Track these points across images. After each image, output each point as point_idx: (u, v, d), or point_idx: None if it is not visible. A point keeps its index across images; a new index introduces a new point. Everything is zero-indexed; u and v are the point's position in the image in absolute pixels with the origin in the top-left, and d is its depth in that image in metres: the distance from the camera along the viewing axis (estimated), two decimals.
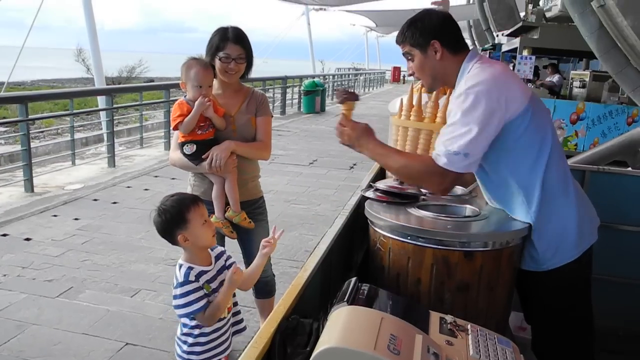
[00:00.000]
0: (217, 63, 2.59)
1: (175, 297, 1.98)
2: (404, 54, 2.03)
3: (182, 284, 1.95)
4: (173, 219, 1.94)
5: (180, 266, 2.00)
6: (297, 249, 4.92)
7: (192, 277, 1.96)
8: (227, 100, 2.70)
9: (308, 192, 6.97)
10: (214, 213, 2.69)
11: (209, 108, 2.55)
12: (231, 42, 2.57)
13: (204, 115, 2.57)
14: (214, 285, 2.03)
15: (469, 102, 1.75)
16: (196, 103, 2.52)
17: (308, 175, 7.90)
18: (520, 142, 1.81)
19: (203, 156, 2.58)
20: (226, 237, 2.83)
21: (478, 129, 1.72)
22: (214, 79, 2.68)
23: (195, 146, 2.59)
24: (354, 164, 8.72)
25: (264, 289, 3.05)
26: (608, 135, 9.14)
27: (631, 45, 5.70)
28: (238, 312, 2.24)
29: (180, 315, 2.01)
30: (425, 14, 1.97)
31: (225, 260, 2.15)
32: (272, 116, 2.87)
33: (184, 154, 2.62)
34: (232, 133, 2.67)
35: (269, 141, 2.78)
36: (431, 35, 1.91)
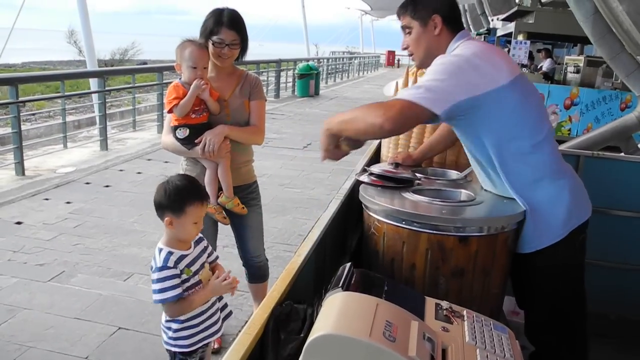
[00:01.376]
0: (210, 47, 2.54)
1: (152, 282, 1.94)
2: (402, 27, 2.01)
3: (160, 269, 1.91)
4: (172, 202, 1.91)
5: (160, 250, 1.96)
6: (291, 232, 4.91)
7: (170, 263, 1.92)
8: (220, 83, 2.66)
9: (302, 175, 6.95)
10: None
11: (205, 90, 2.50)
12: (225, 27, 2.51)
13: (200, 98, 2.53)
14: (194, 267, 2.00)
15: (440, 62, 1.78)
16: (192, 85, 2.47)
17: (302, 159, 7.87)
18: (502, 118, 1.79)
19: (196, 141, 2.55)
20: (219, 223, 2.81)
21: (444, 77, 1.72)
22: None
23: (188, 130, 2.55)
24: None
25: (257, 273, 3.04)
26: (601, 120, 9.15)
27: (626, 30, 5.68)
28: (220, 297, 2.21)
29: (154, 301, 1.95)
30: None
31: (206, 247, 2.12)
32: (266, 100, 2.83)
33: (177, 138, 2.58)
34: (226, 117, 2.63)
35: (263, 126, 2.74)
36: (433, 10, 1.92)
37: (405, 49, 2.03)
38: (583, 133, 8.81)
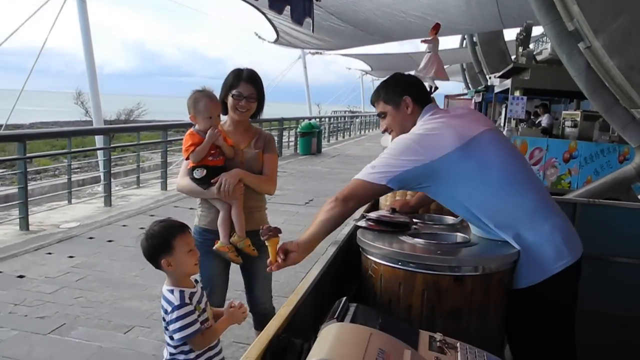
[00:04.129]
0: (230, 100, 2.75)
1: (171, 321, 1.98)
2: (378, 115, 2.28)
3: (179, 307, 1.98)
4: (159, 244, 2.01)
5: (172, 291, 2.02)
6: (293, 286, 4.88)
7: (187, 300, 2.00)
8: (236, 137, 2.84)
9: (304, 230, 6.91)
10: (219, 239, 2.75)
11: (219, 137, 2.68)
12: (244, 82, 2.73)
13: (215, 144, 2.69)
14: (202, 305, 2.08)
15: (394, 142, 2.06)
16: (207, 134, 2.66)
17: (304, 215, 7.91)
18: (457, 176, 1.93)
19: (212, 180, 2.67)
20: (230, 268, 2.88)
21: (390, 155, 1.97)
22: (226, 116, 2.83)
23: (205, 171, 2.70)
24: None
25: (264, 320, 3.03)
26: (601, 173, 9.21)
27: (618, 84, 5.82)
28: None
29: (177, 340, 1.99)
30: (396, 75, 2.29)
31: (202, 287, 2.19)
32: (278, 155, 2.98)
33: (193, 179, 2.72)
34: (241, 165, 2.78)
35: (275, 177, 2.91)
36: (403, 92, 2.18)
37: (385, 131, 2.27)
38: (583, 185, 8.86)
